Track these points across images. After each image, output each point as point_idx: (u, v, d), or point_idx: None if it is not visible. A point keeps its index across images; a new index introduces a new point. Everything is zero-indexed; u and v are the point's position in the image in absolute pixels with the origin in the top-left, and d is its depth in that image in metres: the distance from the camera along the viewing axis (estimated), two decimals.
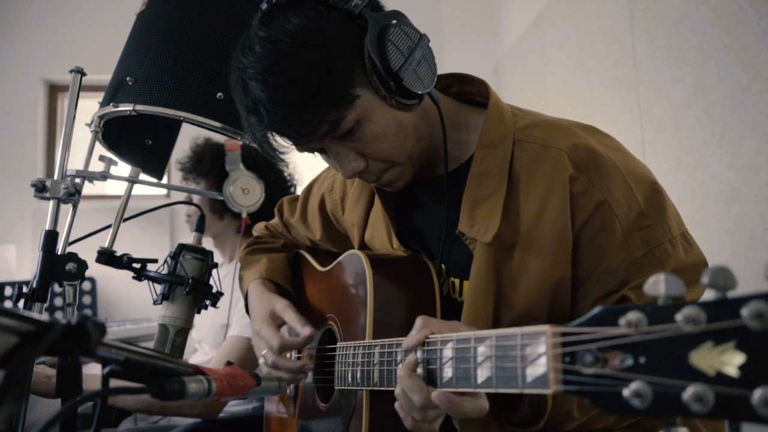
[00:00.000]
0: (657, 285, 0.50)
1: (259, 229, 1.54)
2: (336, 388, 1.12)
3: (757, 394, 0.43)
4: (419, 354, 0.83)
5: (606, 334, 0.53)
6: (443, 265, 1.09)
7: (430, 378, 0.81)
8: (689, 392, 0.46)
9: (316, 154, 1.05)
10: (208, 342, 2.08)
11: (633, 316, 0.50)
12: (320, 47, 0.90)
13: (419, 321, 0.86)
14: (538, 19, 3.24)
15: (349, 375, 1.05)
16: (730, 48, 1.72)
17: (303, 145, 1.00)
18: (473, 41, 4.08)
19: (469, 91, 1.13)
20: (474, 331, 0.77)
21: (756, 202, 1.63)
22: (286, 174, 2.22)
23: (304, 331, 1.12)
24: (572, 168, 0.95)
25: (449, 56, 3.88)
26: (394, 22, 0.94)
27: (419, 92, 0.96)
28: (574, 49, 2.81)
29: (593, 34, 2.60)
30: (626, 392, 0.50)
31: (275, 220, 1.51)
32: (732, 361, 0.45)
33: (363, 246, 1.26)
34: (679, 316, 0.47)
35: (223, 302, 1.33)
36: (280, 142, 1.01)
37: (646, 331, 0.50)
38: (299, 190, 2.21)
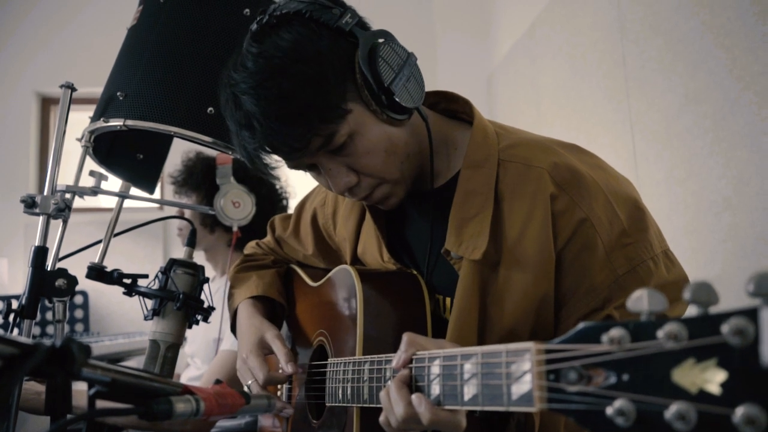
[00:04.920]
0: (640, 301, 0.50)
1: (250, 247, 1.54)
2: (327, 404, 1.11)
3: (739, 413, 0.42)
4: (414, 372, 0.83)
5: (589, 351, 0.52)
6: (429, 282, 1.09)
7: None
8: (672, 410, 0.45)
9: (306, 171, 1.05)
10: (201, 356, 2.07)
11: (616, 332, 0.50)
12: (312, 62, 0.91)
13: (405, 338, 0.86)
14: (530, 31, 3.26)
15: (340, 392, 1.04)
16: (720, 59, 1.73)
17: (295, 161, 0.99)
18: (466, 54, 4.10)
19: (455, 109, 1.13)
20: (460, 348, 0.77)
21: (747, 212, 1.64)
22: (277, 187, 2.22)
23: (288, 367, 1.15)
24: (554, 186, 0.96)
25: (443, 69, 3.89)
26: (383, 40, 0.96)
27: (409, 107, 0.97)
28: (566, 60, 2.82)
29: (584, 46, 2.61)
30: (610, 411, 0.49)
31: (267, 238, 1.50)
32: (714, 379, 0.44)
33: (355, 260, 1.25)
34: (660, 333, 0.47)
35: (215, 317, 1.32)
36: (271, 157, 1.00)
37: (628, 348, 0.49)
38: (291, 204, 2.22)
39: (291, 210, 1.58)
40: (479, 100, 1.14)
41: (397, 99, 0.95)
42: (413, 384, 0.82)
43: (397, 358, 0.85)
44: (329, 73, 0.92)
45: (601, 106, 2.47)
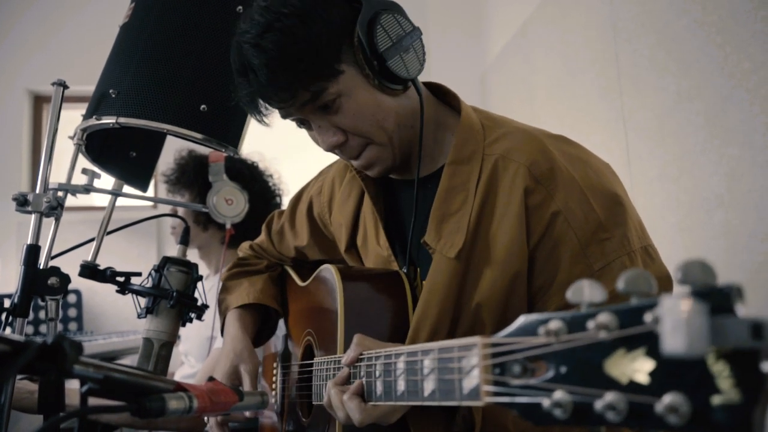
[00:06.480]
0: (580, 292, 0.49)
1: (243, 249, 1.54)
2: (314, 403, 1.11)
3: (666, 401, 0.42)
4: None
5: (530, 343, 0.52)
6: (418, 269, 1.10)
7: (386, 391, 0.83)
8: (604, 401, 0.45)
9: (300, 126, 1.08)
10: (194, 354, 2.07)
11: (553, 324, 0.50)
12: (313, 20, 0.95)
13: (355, 339, 0.94)
14: (523, 29, 3.26)
15: (324, 390, 1.05)
16: (712, 56, 1.73)
17: (284, 110, 1.03)
18: (459, 52, 4.10)
19: (446, 100, 1.15)
20: (397, 347, 0.83)
21: (740, 209, 1.64)
22: (270, 184, 2.21)
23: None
24: (530, 180, 0.97)
25: (436, 68, 3.88)
26: (388, 10, 0.99)
27: (402, 76, 0.99)
28: (559, 59, 2.83)
29: (577, 44, 2.62)
30: (547, 403, 0.49)
31: (262, 237, 1.50)
32: (642, 368, 0.44)
33: (351, 246, 1.25)
34: (591, 324, 0.47)
35: (208, 315, 1.32)
36: (264, 106, 1.05)
37: (566, 340, 0.49)
38: (284, 200, 2.22)
39: (284, 207, 1.57)
40: (473, 99, 1.15)
41: (389, 66, 0.97)
42: (383, 380, 0.84)
43: (346, 356, 0.92)
44: (325, 32, 0.95)
45: (594, 104, 2.47)
